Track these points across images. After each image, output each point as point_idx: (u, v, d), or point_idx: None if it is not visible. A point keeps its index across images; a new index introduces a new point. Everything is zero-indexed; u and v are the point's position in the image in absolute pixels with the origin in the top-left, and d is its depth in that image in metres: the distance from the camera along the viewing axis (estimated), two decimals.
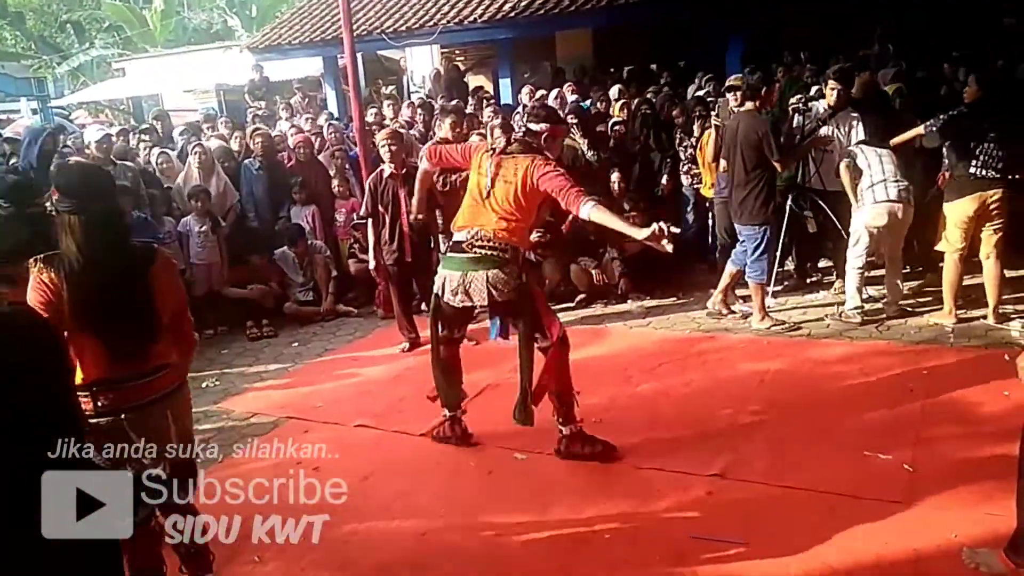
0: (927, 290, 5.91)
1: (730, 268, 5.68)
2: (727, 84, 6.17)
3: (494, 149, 3.69)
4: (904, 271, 5.83)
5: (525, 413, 3.64)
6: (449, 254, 3.68)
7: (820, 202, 5.83)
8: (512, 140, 3.70)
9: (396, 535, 3.36)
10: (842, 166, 5.38)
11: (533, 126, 3.69)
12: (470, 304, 3.64)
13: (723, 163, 5.62)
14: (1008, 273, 5.51)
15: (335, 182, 7.38)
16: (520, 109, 8.87)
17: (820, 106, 5.91)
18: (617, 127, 7.08)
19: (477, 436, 4.13)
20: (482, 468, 3.88)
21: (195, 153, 6.92)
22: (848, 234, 5.47)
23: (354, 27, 8.44)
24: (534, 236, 5.47)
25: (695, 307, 6.14)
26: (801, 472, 3.50)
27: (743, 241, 5.49)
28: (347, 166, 7.53)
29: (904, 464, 3.48)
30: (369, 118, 8.06)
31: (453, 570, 3.08)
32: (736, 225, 5.54)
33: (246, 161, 7.29)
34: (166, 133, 8.85)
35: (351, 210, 7.27)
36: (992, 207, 4.97)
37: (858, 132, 5.45)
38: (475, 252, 3.54)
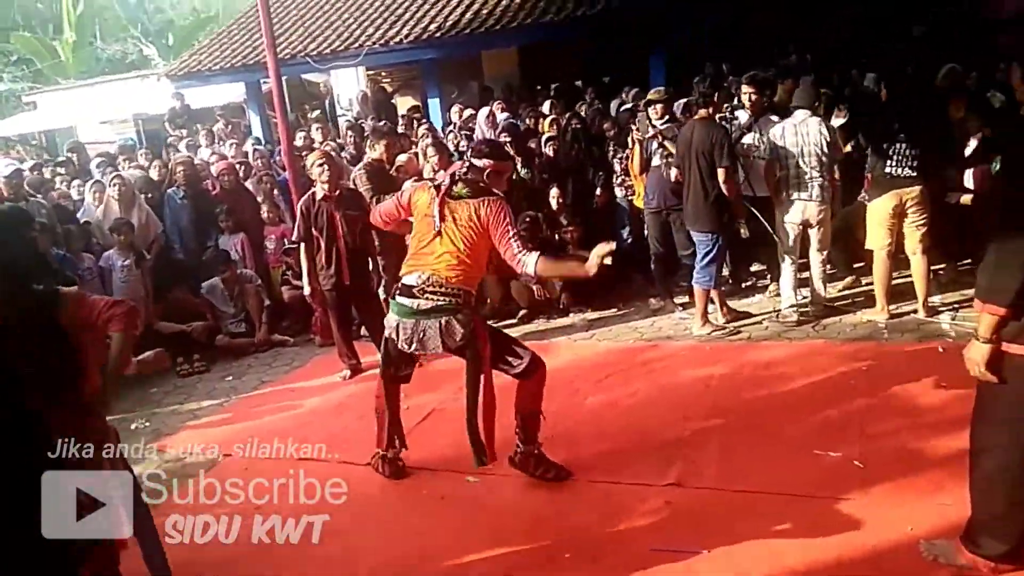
0: (859, 289, 6.07)
1: (698, 289, 5.62)
2: (647, 99, 6.24)
3: (436, 187, 3.57)
4: (830, 271, 5.96)
5: (479, 456, 3.53)
6: (399, 299, 3.52)
7: (751, 208, 5.91)
8: (456, 180, 3.55)
9: (346, 570, 3.22)
10: (764, 166, 5.49)
11: (476, 162, 3.57)
12: (423, 352, 3.58)
13: (675, 171, 5.62)
14: (936, 267, 5.69)
15: (264, 208, 7.17)
16: (452, 128, 8.85)
17: (743, 116, 6.01)
18: (551, 143, 7.10)
19: (427, 461, 4.01)
20: (434, 494, 3.76)
21: (114, 185, 6.64)
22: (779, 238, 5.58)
23: (278, 51, 8.27)
24: None
25: (636, 317, 6.16)
26: (754, 475, 3.50)
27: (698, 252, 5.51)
28: (276, 191, 7.34)
29: (854, 460, 3.51)
30: (298, 142, 7.88)
31: None
32: (691, 232, 5.56)
33: (169, 191, 7.03)
34: (83, 166, 8.49)
35: (282, 236, 7.08)
36: (910, 205, 5.12)
37: (778, 133, 5.52)
38: (427, 299, 3.43)
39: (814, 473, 3.45)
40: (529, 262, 3.37)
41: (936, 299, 5.49)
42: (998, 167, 2.30)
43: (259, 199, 7.21)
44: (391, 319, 3.57)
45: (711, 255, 5.44)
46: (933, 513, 3.01)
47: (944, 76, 6.22)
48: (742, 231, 6.01)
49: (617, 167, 6.99)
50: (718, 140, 5.23)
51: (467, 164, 3.59)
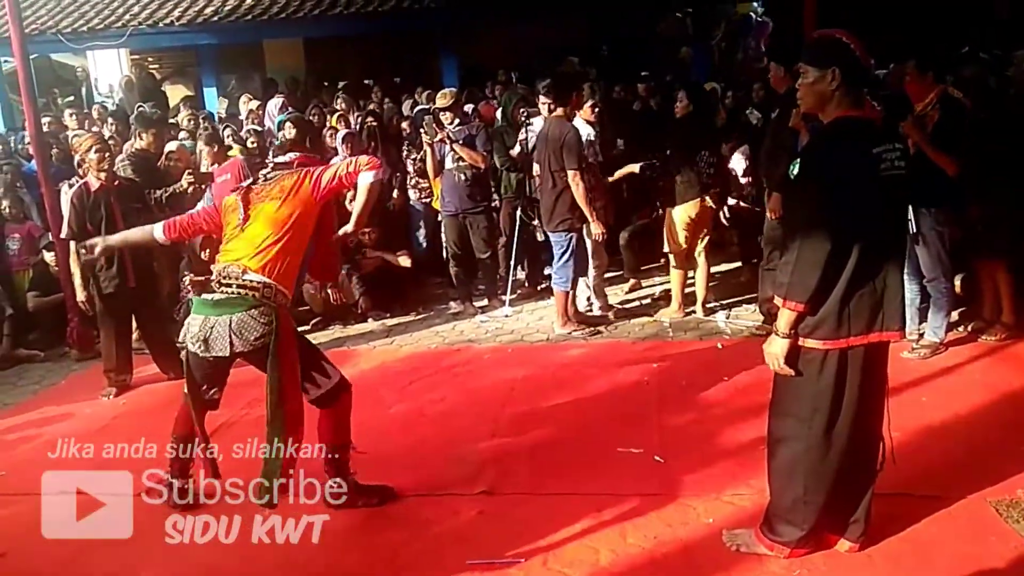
0: (643, 292, 6.40)
1: (557, 291, 5.54)
2: (436, 104, 6.16)
3: (240, 188, 3.23)
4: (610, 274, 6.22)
5: (272, 493, 3.01)
6: (202, 295, 3.08)
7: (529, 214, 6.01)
8: (259, 176, 3.24)
9: None
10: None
11: (282, 159, 3.32)
12: (211, 356, 3.03)
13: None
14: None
15: (4, 203, 6.18)
16: (244, 119, 8.21)
17: (538, 122, 6.02)
18: (346, 140, 6.78)
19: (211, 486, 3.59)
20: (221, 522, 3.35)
21: None
22: None
23: (24, 25, 7.18)
24: None
25: (437, 321, 6.05)
26: (564, 477, 3.49)
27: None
28: (19, 183, 6.36)
29: (654, 456, 3.61)
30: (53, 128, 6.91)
31: None
32: (547, 231, 5.48)
33: None
34: None
35: (29, 235, 6.14)
36: (703, 212, 5.45)
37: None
38: (220, 292, 2.99)
39: (620, 471, 3.51)
40: (368, 175, 3.08)
41: (712, 301, 5.90)
42: (796, 171, 2.42)
43: None
44: (188, 320, 3.11)
45: (566, 255, 5.36)
46: (729, 504, 3.15)
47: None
48: (538, 234, 6.11)
49: (411, 168, 6.83)
50: (567, 141, 5.15)
51: (271, 164, 3.30)
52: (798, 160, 2.44)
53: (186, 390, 3.24)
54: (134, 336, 5.20)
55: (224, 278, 3.01)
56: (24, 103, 6.19)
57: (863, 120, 2.43)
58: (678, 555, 2.85)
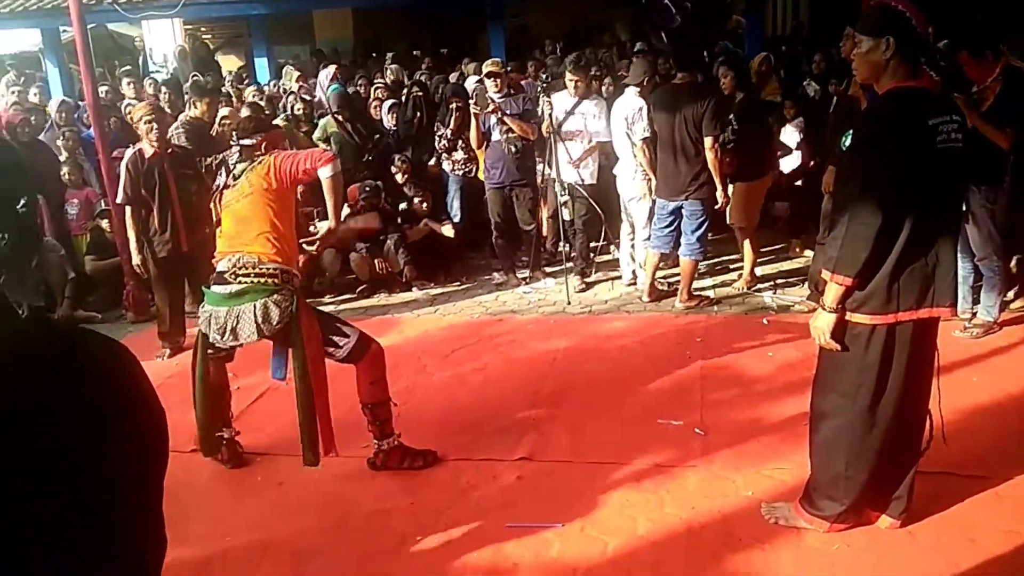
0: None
1: (652, 255, 5.44)
2: (485, 70, 6.11)
3: (221, 185, 3.39)
4: None
5: (312, 454, 3.23)
6: (213, 287, 3.20)
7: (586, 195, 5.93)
8: (231, 168, 3.36)
9: (170, 573, 2.89)
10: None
11: (247, 142, 3.35)
12: (238, 344, 3.23)
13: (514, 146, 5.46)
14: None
15: (65, 169, 6.37)
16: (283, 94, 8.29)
17: (561, 96, 5.76)
18: (393, 110, 6.81)
19: (263, 444, 3.72)
20: (271, 480, 3.48)
21: None
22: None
23: None
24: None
25: (480, 292, 6.08)
26: (603, 446, 3.51)
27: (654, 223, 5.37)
28: (79, 150, 6.54)
29: (695, 428, 3.62)
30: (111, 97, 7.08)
31: None
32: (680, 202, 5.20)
33: None
34: None
35: (87, 200, 6.33)
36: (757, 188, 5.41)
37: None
38: (240, 282, 3.12)
39: (659, 442, 3.52)
40: (326, 169, 3.21)
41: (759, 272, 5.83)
42: (848, 143, 2.36)
43: (61, 158, 6.39)
44: (204, 310, 3.24)
45: (704, 224, 5.23)
46: (770, 477, 3.14)
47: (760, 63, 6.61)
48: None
49: (438, 144, 6.66)
50: (710, 108, 4.98)
51: (237, 148, 3.38)
52: (850, 131, 2.39)
53: (194, 352, 3.44)
54: (188, 300, 5.34)
55: (240, 269, 3.13)
56: (82, 71, 6.33)
57: (919, 91, 2.36)
58: (715, 526, 2.86)
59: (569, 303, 5.60)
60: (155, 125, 4.86)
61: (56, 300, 5.92)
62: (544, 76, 6.17)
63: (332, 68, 8.45)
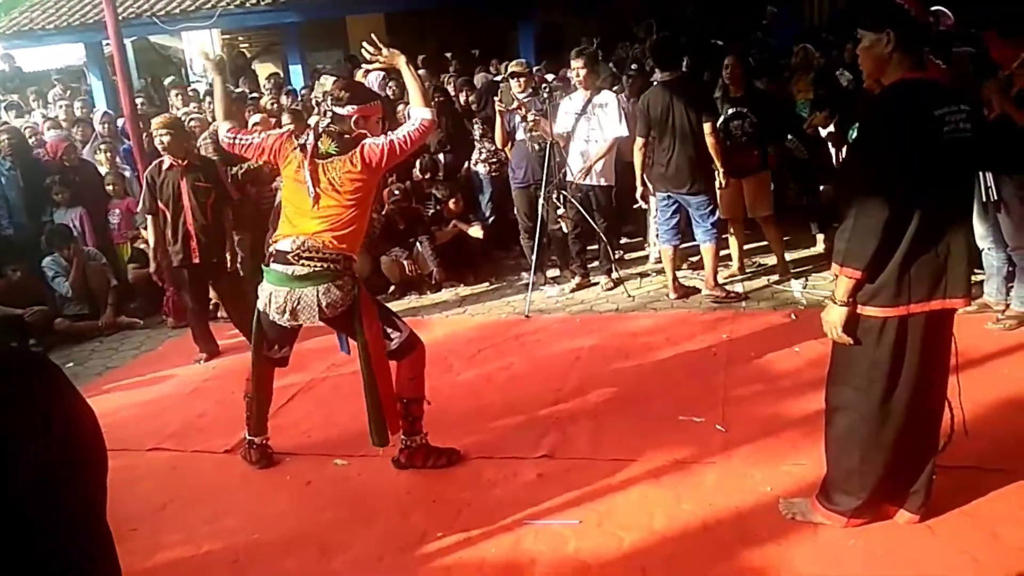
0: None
1: (666, 250, 5.47)
2: (510, 70, 6.15)
3: (302, 147, 3.25)
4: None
5: (380, 435, 3.30)
6: (273, 266, 3.23)
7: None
8: (320, 134, 3.23)
9: (204, 565, 3.00)
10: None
11: (340, 111, 3.21)
12: (297, 324, 3.31)
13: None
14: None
15: (107, 179, 6.59)
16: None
17: (577, 95, 5.69)
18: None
19: (292, 445, 3.82)
20: (299, 479, 3.58)
21: None
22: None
23: (119, 9, 7.60)
24: None
25: (508, 292, 6.13)
26: (623, 443, 3.53)
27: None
28: (120, 160, 6.77)
29: (716, 425, 3.61)
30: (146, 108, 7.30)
31: None
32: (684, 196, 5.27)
33: None
34: None
35: (128, 210, 6.54)
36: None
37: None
38: (303, 265, 3.15)
39: (680, 439, 3.52)
40: (421, 113, 3.21)
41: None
42: (855, 135, 2.36)
43: (102, 170, 6.62)
44: (264, 288, 3.28)
45: (715, 209, 5.29)
46: (789, 474, 3.13)
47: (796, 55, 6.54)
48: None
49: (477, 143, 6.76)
50: (701, 94, 5.07)
51: (329, 114, 3.27)
52: (856, 124, 2.38)
53: (253, 352, 3.50)
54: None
55: (305, 252, 3.15)
56: (120, 84, 6.54)
57: (925, 82, 2.34)
58: (732, 521, 2.86)
59: (597, 301, 5.62)
60: (169, 137, 4.92)
61: (99, 307, 6.14)
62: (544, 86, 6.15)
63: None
